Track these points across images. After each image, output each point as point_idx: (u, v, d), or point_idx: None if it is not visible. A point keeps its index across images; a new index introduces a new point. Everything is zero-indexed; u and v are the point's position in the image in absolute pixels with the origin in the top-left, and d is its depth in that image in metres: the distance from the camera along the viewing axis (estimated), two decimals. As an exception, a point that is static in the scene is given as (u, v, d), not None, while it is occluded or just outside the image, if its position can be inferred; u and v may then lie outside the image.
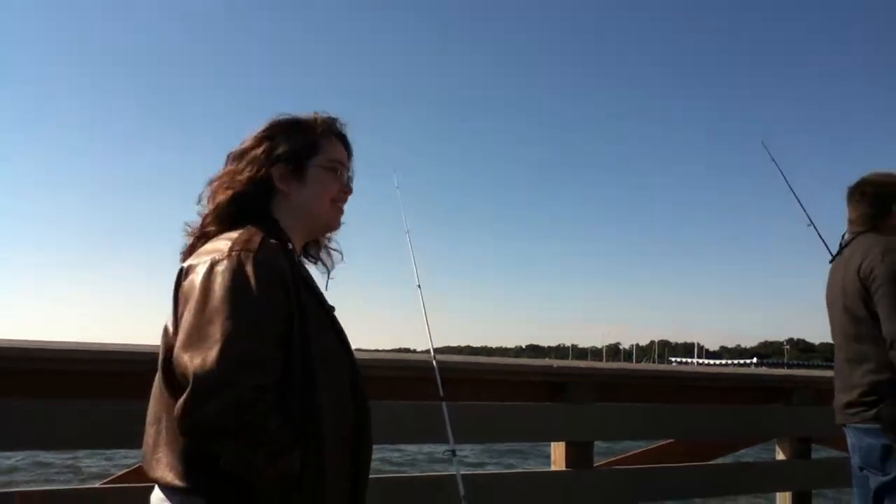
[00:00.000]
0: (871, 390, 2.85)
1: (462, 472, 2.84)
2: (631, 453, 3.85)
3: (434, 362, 2.93)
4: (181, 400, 1.32)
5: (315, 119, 1.66)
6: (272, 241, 1.46)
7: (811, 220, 4.88)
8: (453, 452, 2.84)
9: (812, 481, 4.05)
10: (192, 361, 1.32)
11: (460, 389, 3.19)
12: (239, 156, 1.59)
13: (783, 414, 3.96)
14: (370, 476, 1.66)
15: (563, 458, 3.31)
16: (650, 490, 3.59)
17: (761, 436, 4.15)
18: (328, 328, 1.54)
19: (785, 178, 5.03)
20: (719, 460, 4.09)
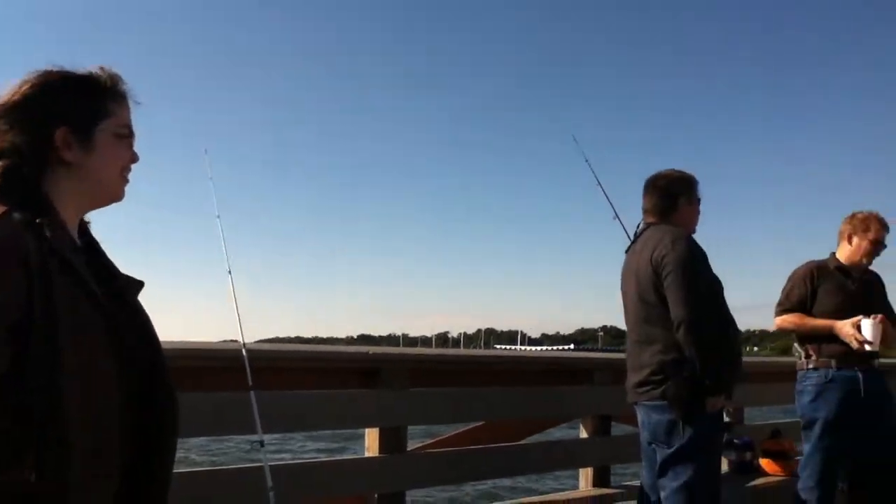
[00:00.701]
0: (659, 369, 3.07)
1: (270, 463, 2.78)
2: (444, 436, 3.94)
3: (243, 351, 2.84)
4: None
5: (101, 76, 1.44)
6: (15, 215, 1.26)
7: (616, 213, 5.21)
8: (261, 443, 2.76)
9: (611, 457, 4.32)
10: None
11: (272, 378, 3.11)
12: (5, 112, 1.34)
13: (586, 394, 4.20)
14: (176, 471, 1.53)
15: (376, 443, 3.32)
16: (463, 472, 3.69)
17: (566, 415, 4.39)
18: (91, 312, 1.32)
19: (594, 172, 5.31)
20: (529, 440, 4.27)
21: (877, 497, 4.07)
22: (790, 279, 4.13)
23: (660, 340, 3.09)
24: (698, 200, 3.38)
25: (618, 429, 4.51)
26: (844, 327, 3.82)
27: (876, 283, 4.21)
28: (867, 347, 3.78)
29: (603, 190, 5.23)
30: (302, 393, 3.20)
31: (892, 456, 3.93)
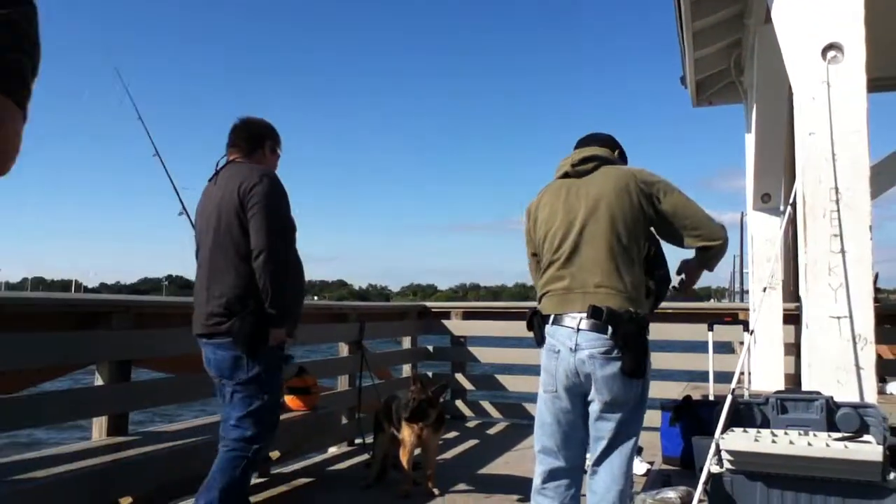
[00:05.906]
0: (226, 305, 3.09)
1: None
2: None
3: None
4: None
5: None
6: None
7: (157, 151, 4.95)
8: None
9: (130, 403, 4.11)
10: None
11: None
12: None
13: (103, 339, 3.90)
14: None
15: None
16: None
17: (80, 362, 4.02)
18: None
19: (135, 105, 4.97)
20: (32, 391, 3.83)
21: None
22: None
23: (231, 273, 3.12)
24: (277, 152, 3.51)
25: (142, 373, 4.31)
26: None
27: None
28: None
29: (145, 127, 4.93)
30: None
31: None
